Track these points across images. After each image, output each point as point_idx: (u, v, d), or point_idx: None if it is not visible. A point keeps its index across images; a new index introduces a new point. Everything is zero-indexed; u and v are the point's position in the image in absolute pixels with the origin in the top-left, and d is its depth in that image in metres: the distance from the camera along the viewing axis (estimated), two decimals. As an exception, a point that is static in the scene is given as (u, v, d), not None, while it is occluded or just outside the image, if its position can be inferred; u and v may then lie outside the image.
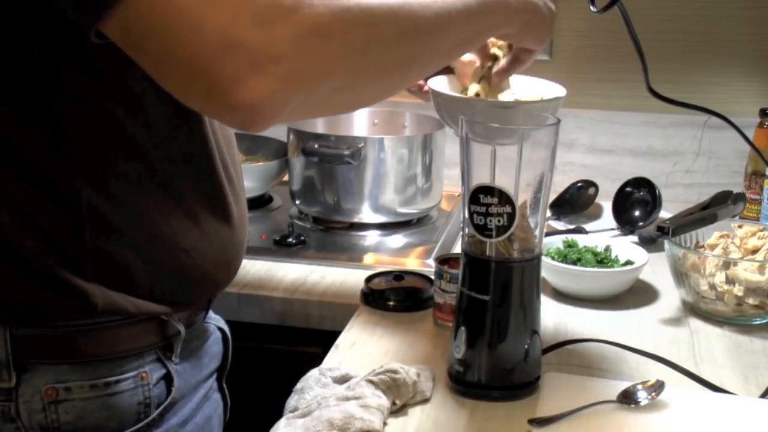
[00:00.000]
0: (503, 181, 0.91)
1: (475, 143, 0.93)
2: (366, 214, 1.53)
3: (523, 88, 1.13)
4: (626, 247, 1.34)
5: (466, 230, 0.95)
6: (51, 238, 0.81)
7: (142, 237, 0.85)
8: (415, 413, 0.96)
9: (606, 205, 1.65)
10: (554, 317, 1.21)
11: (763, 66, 1.72)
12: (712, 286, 1.19)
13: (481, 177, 0.92)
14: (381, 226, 1.55)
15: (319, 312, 1.28)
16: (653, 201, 1.56)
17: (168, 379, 0.92)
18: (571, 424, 0.91)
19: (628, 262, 1.30)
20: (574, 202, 1.65)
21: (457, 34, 0.84)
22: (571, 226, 1.55)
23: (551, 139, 0.94)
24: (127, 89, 0.81)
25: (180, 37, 0.66)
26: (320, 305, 1.28)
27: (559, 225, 1.57)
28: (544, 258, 1.20)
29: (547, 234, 1.39)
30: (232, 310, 1.23)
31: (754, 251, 1.23)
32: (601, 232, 1.53)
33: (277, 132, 1.66)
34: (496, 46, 1.08)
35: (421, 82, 1.14)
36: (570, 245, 1.34)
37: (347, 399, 0.92)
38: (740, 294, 1.17)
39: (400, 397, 0.95)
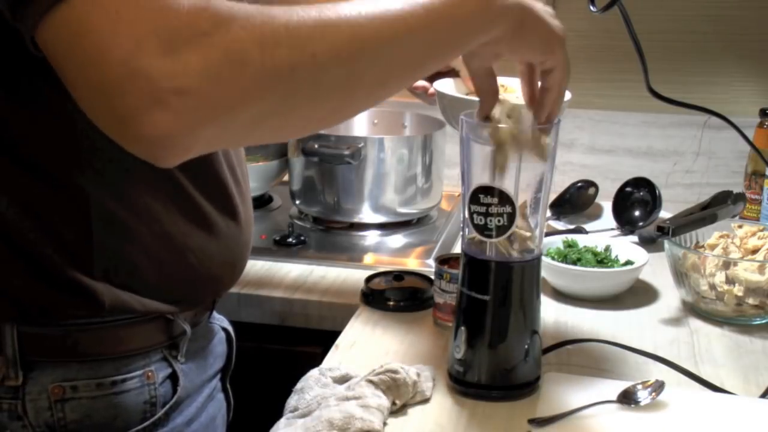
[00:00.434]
0: (503, 181, 0.91)
1: (476, 143, 0.93)
2: (366, 214, 1.53)
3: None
4: (626, 247, 1.34)
5: (466, 230, 0.95)
6: (59, 237, 0.82)
7: (150, 236, 0.86)
8: (415, 413, 0.96)
9: (606, 205, 1.65)
10: (554, 317, 1.21)
11: (763, 66, 1.72)
12: (712, 286, 1.19)
13: (481, 177, 0.92)
14: (381, 226, 1.55)
15: (319, 312, 1.28)
16: (653, 201, 1.56)
17: (174, 378, 0.92)
18: (571, 424, 0.91)
19: (628, 262, 1.30)
20: (574, 202, 1.65)
21: (422, 43, 0.72)
22: (571, 226, 1.55)
23: (551, 139, 0.94)
24: None
25: (86, 61, 0.62)
26: (320, 305, 1.28)
27: (559, 225, 1.57)
28: (544, 258, 1.20)
29: (547, 234, 1.39)
30: (232, 310, 1.23)
31: (754, 251, 1.23)
32: (601, 232, 1.53)
33: (277, 132, 1.66)
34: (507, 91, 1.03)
35: (426, 84, 1.13)
36: (570, 245, 1.34)
37: (347, 399, 0.92)
38: (740, 294, 1.17)
39: (400, 397, 0.95)
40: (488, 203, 0.92)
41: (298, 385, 0.98)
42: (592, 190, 1.66)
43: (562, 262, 1.28)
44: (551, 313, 1.21)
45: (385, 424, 0.92)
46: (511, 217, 0.92)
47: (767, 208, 1.51)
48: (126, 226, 0.84)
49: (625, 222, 1.57)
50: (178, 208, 0.87)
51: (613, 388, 0.97)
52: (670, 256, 1.23)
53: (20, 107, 0.79)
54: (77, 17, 0.61)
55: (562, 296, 1.27)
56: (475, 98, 0.94)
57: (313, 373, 1.00)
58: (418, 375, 0.98)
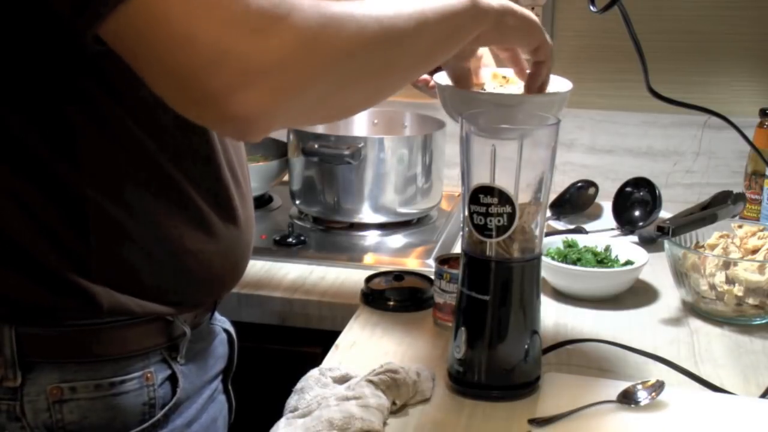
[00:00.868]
0: (503, 181, 0.91)
1: (476, 141, 0.93)
2: (366, 214, 1.53)
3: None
4: (626, 247, 1.34)
5: (466, 230, 0.96)
6: (58, 239, 0.82)
7: (149, 239, 0.86)
8: (415, 413, 0.96)
9: (606, 205, 1.65)
10: (554, 317, 1.21)
11: (763, 66, 1.72)
12: (712, 286, 1.19)
13: (481, 177, 0.92)
14: (381, 226, 1.54)
15: (319, 312, 1.28)
16: (653, 201, 1.56)
17: (173, 379, 0.92)
18: (571, 424, 0.91)
19: (628, 262, 1.30)
20: (574, 202, 1.65)
21: (433, 37, 0.83)
22: (571, 226, 1.55)
23: (551, 139, 0.94)
24: (134, 95, 0.81)
25: (171, 46, 0.65)
26: (320, 305, 1.28)
27: (559, 225, 1.57)
28: (544, 258, 1.20)
29: (547, 234, 1.39)
30: (232, 310, 1.23)
31: (754, 251, 1.23)
32: (601, 232, 1.53)
33: (277, 132, 1.66)
34: (498, 79, 1.08)
35: (427, 77, 1.14)
36: (570, 245, 1.34)
37: (347, 399, 0.92)
38: (740, 294, 1.17)
39: (400, 397, 0.95)
40: (488, 203, 0.92)
41: (298, 385, 0.98)
42: (592, 190, 1.66)
43: (562, 262, 1.28)
44: (551, 313, 1.21)
45: (385, 424, 0.92)
46: (511, 217, 0.92)
47: (767, 208, 1.51)
48: (124, 229, 0.84)
49: (625, 222, 1.57)
50: (176, 211, 0.87)
51: (613, 388, 0.97)
52: (670, 256, 1.23)
53: (18, 110, 0.79)
54: (155, 4, 0.64)
55: (562, 296, 1.27)
56: (474, 91, 0.99)
57: (313, 373, 1.00)
58: (418, 375, 0.98)
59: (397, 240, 1.52)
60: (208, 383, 0.99)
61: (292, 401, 0.96)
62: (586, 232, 1.51)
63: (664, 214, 1.53)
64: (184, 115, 0.70)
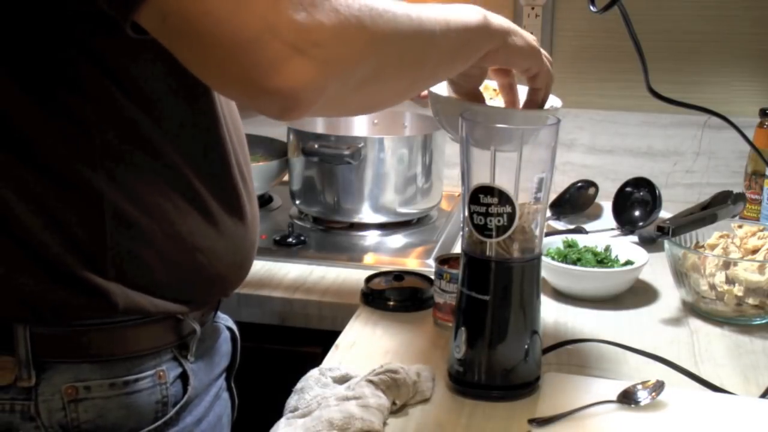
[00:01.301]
0: (503, 181, 0.91)
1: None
2: (366, 214, 1.53)
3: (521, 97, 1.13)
4: (626, 247, 1.34)
5: (466, 230, 0.96)
6: (72, 237, 0.82)
7: (161, 236, 0.86)
8: (415, 413, 0.96)
9: (606, 205, 1.65)
10: (554, 317, 1.21)
11: (763, 66, 1.72)
12: (712, 286, 1.19)
13: (481, 177, 0.92)
14: (381, 226, 1.55)
15: (319, 312, 1.28)
16: (653, 201, 1.56)
17: (184, 377, 0.92)
18: (571, 424, 0.91)
19: (628, 262, 1.30)
20: (574, 202, 1.65)
21: (453, 44, 0.86)
22: (571, 226, 1.55)
23: (551, 140, 0.94)
24: (144, 91, 0.82)
25: (221, 19, 0.66)
26: (320, 305, 1.28)
27: (559, 225, 1.57)
28: (544, 258, 1.20)
29: (547, 234, 1.39)
30: (232, 310, 1.23)
31: (754, 251, 1.23)
32: (601, 232, 1.53)
33: (277, 132, 1.66)
34: (488, 91, 1.09)
35: None
36: (570, 245, 1.34)
37: (347, 399, 0.92)
38: (740, 294, 1.17)
39: (400, 397, 0.95)
40: (488, 203, 0.92)
41: (298, 385, 0.98)
42: (592, 190, 1.66)
43: (562, 262, 1.28)
44: (551, 313, 1.21)
45: (385, 424, 0.92)
46: (511, 217, 0.92)
47: (767, 208, 1.51)
48: (138, 226, 0.84)
49: (625, 222, 1.57)
50: (187, 208, 0.88)
51: (613, 388, 0.97)
52: (670, 256, 1.24)
53: (34, 108, 0.79)
54: None
55: (562, 296, 1.27)
56: (466, 102, 1.00)
57: (313, 373, 1.00)
58: (418, 375, 0.98)
59: (397, 240, 1.52)
60: (214, 381, 1.00)
61: (292, 401, 0.96)
62: (586, 232, 1.51)
63: (664, 214, 1.53)
64: (225, 93, 0.71)
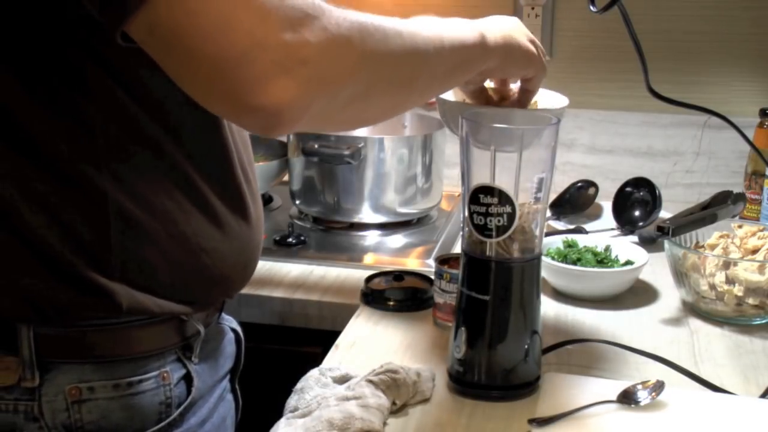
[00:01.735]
0: (503, 181, 0.91)
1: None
2: (366, 214, 1.53)
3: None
4: (626, 247, 1.34)
5: (466, 230, 0.96)
6: (77, 237, 0.82)
7: (166, 237, 0.86)
8: (415, 413, 0.96)
9: (606, 205, 1.65)
10: (554, 317, 1.21)
11: (763, 66, 1.72)
12: (712, 286, 1.19)
13: (481, 177, 0.92)
14: (381, 226, 1.55)
15: (319, 312, 1.28)
16: (653, 201, 1.56)
17: (188, 379, 0.92)
18: (571, 424, 0.91)
19: (628, 262, 1.30)
20: (574, 202, 1.65)
21: (446, 63, 0.86)
22: (571, 226, 1.55)
23: (551, 140, 0.94)
24: (149, 92, 0.82)
25: (208, 34, 0.66)
26: (320, 305, 1.28)
27: (559, 225, 1.57)
28: (544, 258, 1.20)
29: (547, 234, 1.39)
30: (233, 310, 1.23)
31: (754, 251, 1.23)
32: (601, 232, 1.53)
33: (277, 132, 1.66)
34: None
35: None
36: (570, 245, 1.34)
37: (347, 399, 0.92)
38: (740, 294, 1.17)
39: (400, 397, 0.95)
40: (488, 203, 0.92)
41: (298, 385, 0.98)
42: (592, 190, 1.66)
43: (562, 262, 1.28)
44: (551, 313, 1.21)
45: (385, 424, 0.92)
46: (511, 217, 0.92)
47: (767, 208, 1.51)
48: (143, 227, 0.84)
49: (625, 222, 1.57)
50: (191, 209, 0.88)
51: (613, 388, 0.97)
52: (670, 256, 1.24)
53: (38, 107, 0.79)
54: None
55: (562, 296, 1.27)
56: (472, 104, 1.02)
57: (313, 373, 1.00)
58: (418, 375, 0.98)
59: (397, 240, 1.52)
60: (218, 382, 1.00)
61: (292, 401, 0.96)
62: (586, 232, 1.51)
63: (664, 214, 1.53)
64: (210, 108, 0.70)
